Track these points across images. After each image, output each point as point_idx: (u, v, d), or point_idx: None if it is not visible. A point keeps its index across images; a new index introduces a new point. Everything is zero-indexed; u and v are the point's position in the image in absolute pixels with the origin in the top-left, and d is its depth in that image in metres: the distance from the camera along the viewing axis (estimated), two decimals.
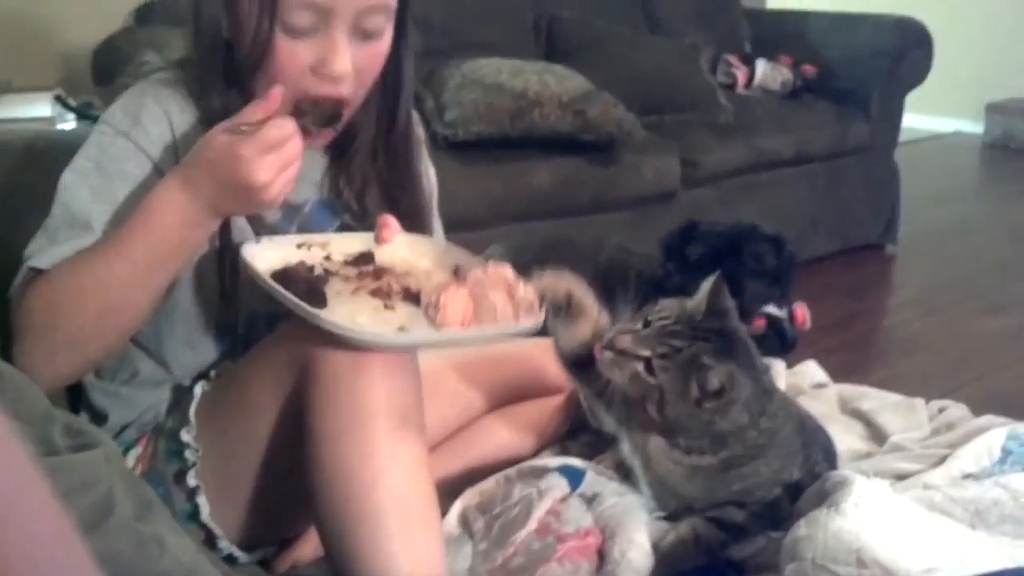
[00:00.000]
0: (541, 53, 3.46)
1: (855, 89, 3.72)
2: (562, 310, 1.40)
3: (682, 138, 3.24)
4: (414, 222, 1.41)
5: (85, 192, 1.27)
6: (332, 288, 1.23)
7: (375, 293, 1.24)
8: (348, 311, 1.19)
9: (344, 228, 1.42)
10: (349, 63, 1.27)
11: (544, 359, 1.69)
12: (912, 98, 3.83)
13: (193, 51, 1.33)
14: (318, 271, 1.26)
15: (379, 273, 1.29)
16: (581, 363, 1.43)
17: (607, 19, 3.66)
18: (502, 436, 1.67)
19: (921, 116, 5.30)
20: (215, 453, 1.30)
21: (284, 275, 1.20)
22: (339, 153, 1.44)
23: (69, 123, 2.60)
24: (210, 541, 1.31)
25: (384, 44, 1.32)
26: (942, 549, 1.23)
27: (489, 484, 1.56)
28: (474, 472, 1.59)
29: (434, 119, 2.78)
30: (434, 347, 1.47)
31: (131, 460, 1.35)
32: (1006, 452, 1.57)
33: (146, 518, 0.97)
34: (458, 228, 1.66)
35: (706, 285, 1.37)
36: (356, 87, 1.32)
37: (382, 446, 1.17)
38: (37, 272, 1.23)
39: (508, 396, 1.72)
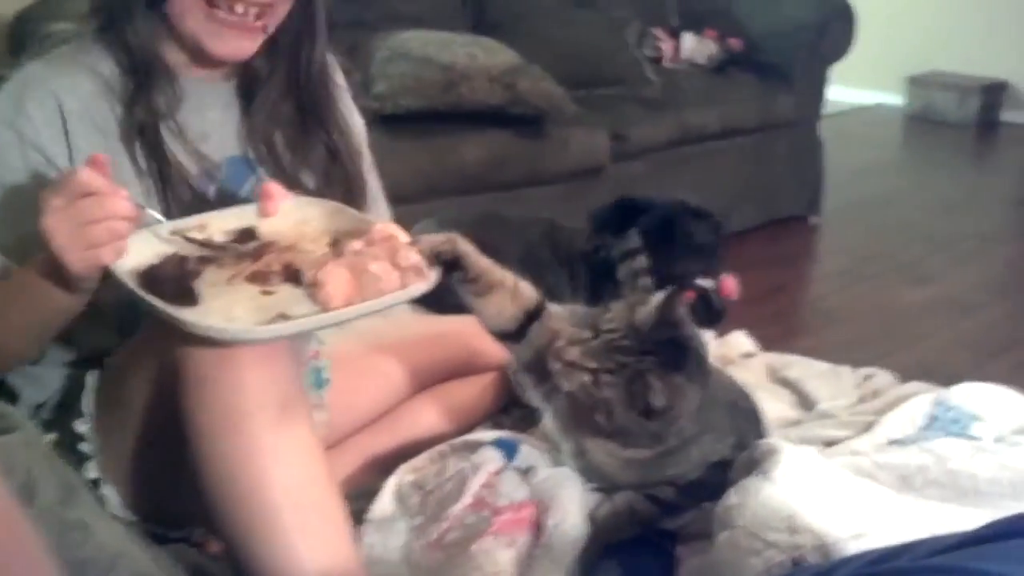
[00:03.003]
0: (469, 26, 3.43)
1: (779, 62, 3.74)
2: (471, 284, 1.31)
3: (611, 112, 3.24)
4: (342, 168, 1.41)
5: None
6: (206, 280, 1.15)
7: (253, 278, 1.16)
8: (225, 303, 1.11)
9: (260, 181, 1.37)
10: None
11: (476, 339, 1.68)
12: (835, 71, 3.88)
13: None
14: (192, 263, 1.17)
15: (259, 253, 1.20)
16: (512, 336, 1.39)
17: None
18: (434, 414, 1.66)
19: (844, 88, 5.36)
20: (110, 446, 1.26)
21: (151, 276, 1.13)
22: (249, 105, 1.41)
23: None
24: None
25: None
26: (870, 514, 1.25)
27: (423, 460, 1.55)
28: (407, 449, 1.58)
29: (361, 92, 2.74)
30: (318, 329, 1.41)
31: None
32: (931, 418, 1.60)
33: (69, 503, 0.95)
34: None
35: (657, 298, 1.31)
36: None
37: (263, 441, 1.12)
38: None
39: (439, 376, 1.71)
